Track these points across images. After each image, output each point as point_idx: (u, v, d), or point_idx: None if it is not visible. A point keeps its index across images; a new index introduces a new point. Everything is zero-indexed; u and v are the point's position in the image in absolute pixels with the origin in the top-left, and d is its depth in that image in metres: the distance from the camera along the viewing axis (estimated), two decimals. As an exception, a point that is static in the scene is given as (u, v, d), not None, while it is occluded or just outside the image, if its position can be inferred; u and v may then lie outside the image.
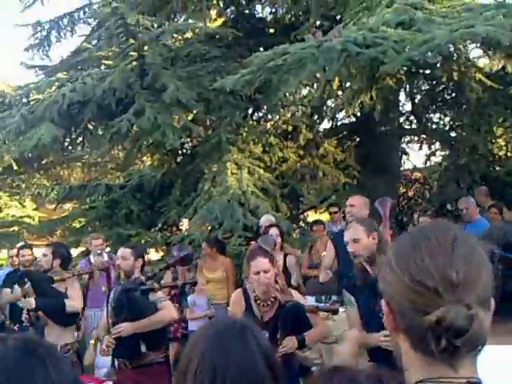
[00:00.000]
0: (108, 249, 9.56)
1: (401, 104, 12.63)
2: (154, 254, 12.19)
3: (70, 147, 12.80)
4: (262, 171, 10.52)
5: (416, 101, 12.34)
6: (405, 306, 1.23)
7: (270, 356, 1.75)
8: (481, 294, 1.21)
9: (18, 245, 8.87)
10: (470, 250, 1.25)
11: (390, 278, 1.27)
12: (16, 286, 6.26)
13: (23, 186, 18.60)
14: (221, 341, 1.71)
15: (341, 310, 5.83)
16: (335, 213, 9.82)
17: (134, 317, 5.13)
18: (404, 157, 13.44)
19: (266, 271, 4.70)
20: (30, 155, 11.60)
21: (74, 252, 11.30)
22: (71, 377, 1.31)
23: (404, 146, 13.46)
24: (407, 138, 13.53)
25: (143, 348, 5.11)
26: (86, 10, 13.43)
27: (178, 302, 7.00)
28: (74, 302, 6.03)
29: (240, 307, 4.88)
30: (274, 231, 7.48)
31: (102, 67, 12.23)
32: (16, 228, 17.34)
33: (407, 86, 11.63)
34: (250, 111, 12.01)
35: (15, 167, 14.09)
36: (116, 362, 5.38)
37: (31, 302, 5.81)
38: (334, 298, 7.06)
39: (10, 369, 1.24)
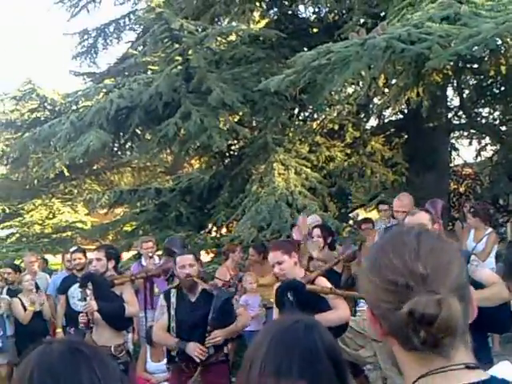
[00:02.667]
0: (159, 252, 9.66)
1: (449, 99, 12.46)
2: (204, 256, 12.27)
3: (119, 152, 13.03)
4: (309, 171, 10.51)
5: (464, 95, 12.15)
6: (383, 307, 1.26)
7: (335, 353, 1.75)
8: (453, 285, 1.23)
9: (72, 249, 9.01)
10: (435, 245, 1.29)
11: (366, 284, 1.32)
12: (80, 289, 6.18)
13: (75, 191, 18.94)
14: (285, 338, 1.71)
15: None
16: (385, 211, 9.73)
17: (225, 324, 5.25)
18: (454, 152, 13.26)
19: (280, 263, 4.82)
20: (80, 161, 11.87)
21: (126, 255, 11.48)
22: (117, 376, 1.33)
23: (453, 141, 13.27)
24: (456, 134, 13.34)
25: (211, 350, 5.15)
26: (131, 16, 13.65)
27: None
28: (132, 308, 6.03)
29: None
30: (316, 232, 7.21)
31: (149, 72, 12.40)
32: (69, 233, 17.71)
33: (455, 81, 11.46)
34: (296, 111, 12.01)
35: (67, 173, 14.43)
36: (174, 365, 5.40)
37: (94, 305, 5.70)
38: None
39: (56, 370, 1.25)
